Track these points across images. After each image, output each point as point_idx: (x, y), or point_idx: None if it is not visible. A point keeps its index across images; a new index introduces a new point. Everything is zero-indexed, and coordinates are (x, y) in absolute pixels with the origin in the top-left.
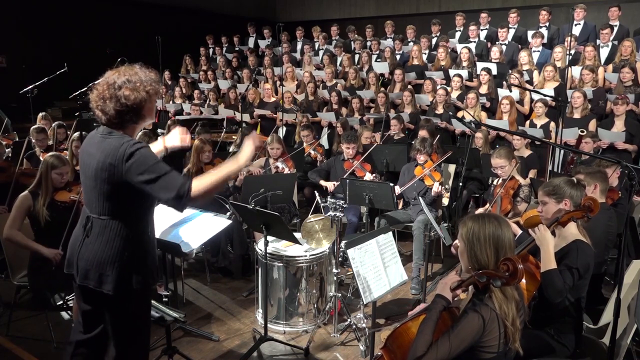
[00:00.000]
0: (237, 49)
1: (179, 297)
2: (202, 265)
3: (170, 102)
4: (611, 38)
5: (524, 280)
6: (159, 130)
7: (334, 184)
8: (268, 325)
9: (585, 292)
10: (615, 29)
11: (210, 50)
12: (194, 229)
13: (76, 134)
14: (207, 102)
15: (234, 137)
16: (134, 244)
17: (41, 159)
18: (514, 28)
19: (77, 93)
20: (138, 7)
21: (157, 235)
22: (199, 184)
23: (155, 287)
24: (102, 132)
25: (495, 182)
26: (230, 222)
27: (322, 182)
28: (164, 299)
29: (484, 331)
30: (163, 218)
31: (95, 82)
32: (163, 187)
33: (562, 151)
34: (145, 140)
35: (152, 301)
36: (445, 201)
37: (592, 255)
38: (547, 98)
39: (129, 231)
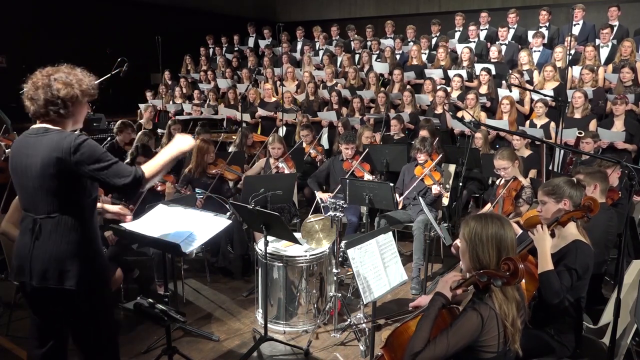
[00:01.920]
0: (237, 49)
1: (179, 297)
2: (202, 266)
3: (171, 102)
4: (611, 38)
5: (523, 280)
6: (159, 130)
7: (329, 195)
8: (268, 325)
9: (585, 292)
10: (615, 28)
11: (210, 50)
12: (193, 228)
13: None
14: (207, 102)
15: (233, 137)
16: (88, 237)
17: None
18: (514, 28)
19: None
20: (138, 7)
21: (157, 235)
22: (150, 167)
23: (155, 287)
24: (37, 132)
25: (497, 182)
26: (230, 222)
27: (319, 194)
28: (164, 299)
29: (482, 330)
30: (162, 218)
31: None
32: (117, 174)
33: (562, 151)
34: (146, 140)
35: (152, 301)
36: (445, 201)
37: (592, 255)
38: (547, 98)
39: (80, 224)
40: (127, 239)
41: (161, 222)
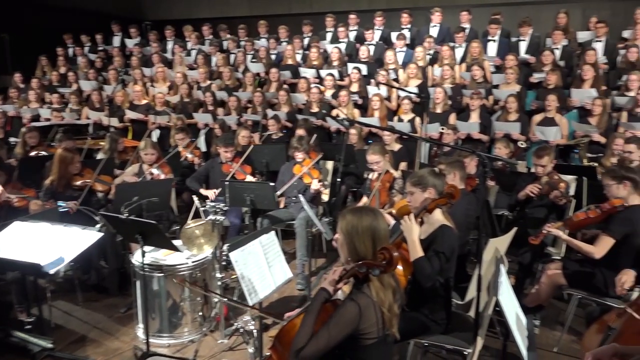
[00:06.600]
0: (100, 48)
1: (46, 322)
2: (71, 285)
3: (25, 107)
4: (464, 39)
5: (400, 267)
6: (11, 139)
7: (215, 192)
8: (150, 340)
9: (453, 273)
10: (467, 31)
11: (70, 50)
12: (58, 245)
13: None
14: (69, 106)
15: (101, 143)
16: None
17: None
18: (380, 30)
19: None
20: None
21: (13, 255)
22: None
23: (16, 314)
24: None
25: (371, 177)
26: (101, 234)
27: (203, 191)
28: (27, 327)
29: (361, 318)
30: (20, 236)
31: None
32: None
33: (427, 144)
34: None
35: (8, 329)
36: (325, 197)
37: (456, 238)
38: (412, 95)
39: None
40: None
41: (19, 241)
